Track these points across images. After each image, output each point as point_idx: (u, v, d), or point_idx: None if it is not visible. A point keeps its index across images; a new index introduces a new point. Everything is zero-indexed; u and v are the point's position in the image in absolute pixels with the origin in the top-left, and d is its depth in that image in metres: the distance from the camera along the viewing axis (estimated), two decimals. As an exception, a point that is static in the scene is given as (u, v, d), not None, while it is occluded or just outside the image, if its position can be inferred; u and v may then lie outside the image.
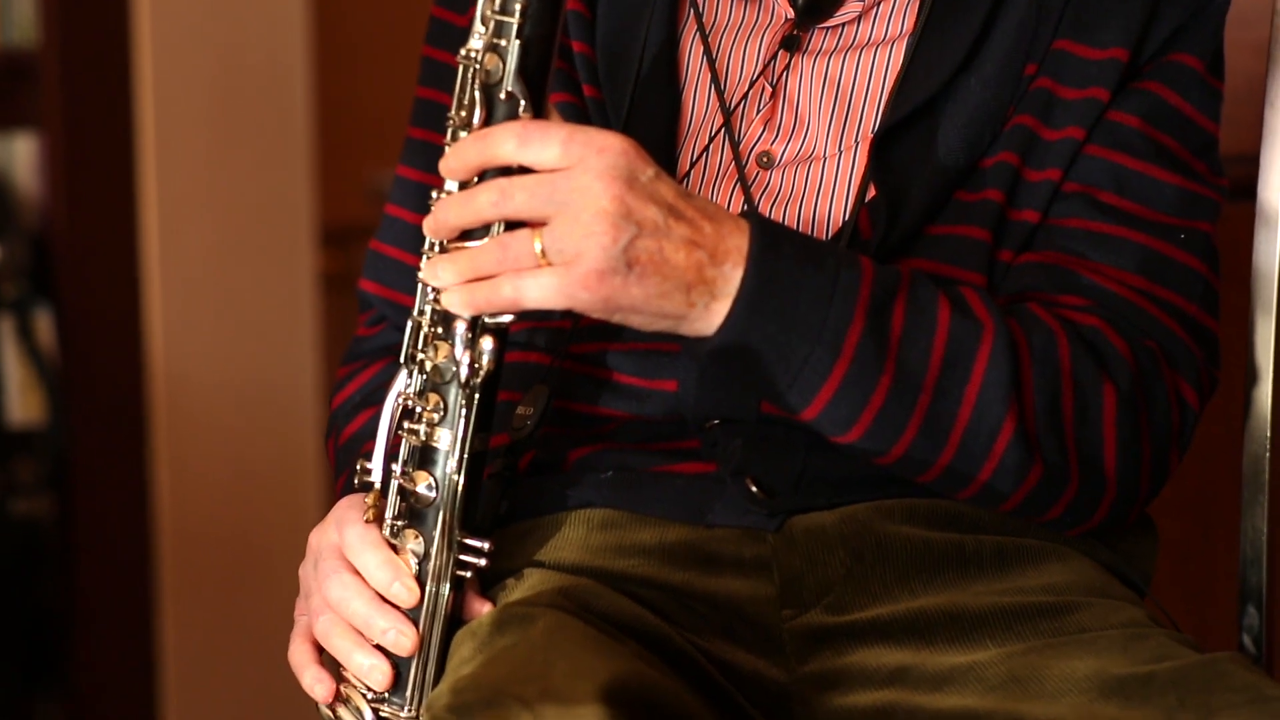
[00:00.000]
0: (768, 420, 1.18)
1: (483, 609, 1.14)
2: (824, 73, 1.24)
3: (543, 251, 1.05)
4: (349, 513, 1.16)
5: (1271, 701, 1.03)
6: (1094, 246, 1.20)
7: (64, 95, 2.74)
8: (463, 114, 1.09)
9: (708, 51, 1.26)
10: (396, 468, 1.13)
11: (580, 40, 1.27)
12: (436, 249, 1.10)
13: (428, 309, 1.11)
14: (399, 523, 1.13)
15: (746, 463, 1.18)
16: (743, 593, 1.17)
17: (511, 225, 1.07)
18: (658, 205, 1.06)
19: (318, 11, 3.02)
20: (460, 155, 1.08)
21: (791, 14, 1.26)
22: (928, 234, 1.20)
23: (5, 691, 2.73)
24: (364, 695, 1.14)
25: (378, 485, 1.15)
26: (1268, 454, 1.34)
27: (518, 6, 1.07)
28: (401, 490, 1.13)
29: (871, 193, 1.20)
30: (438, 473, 1.11)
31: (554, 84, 1.11)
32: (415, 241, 1.13)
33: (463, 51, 1.09)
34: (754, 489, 1.18)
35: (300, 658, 1.18)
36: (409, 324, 1.12)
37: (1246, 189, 1.36)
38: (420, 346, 1.12)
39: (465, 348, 1.09)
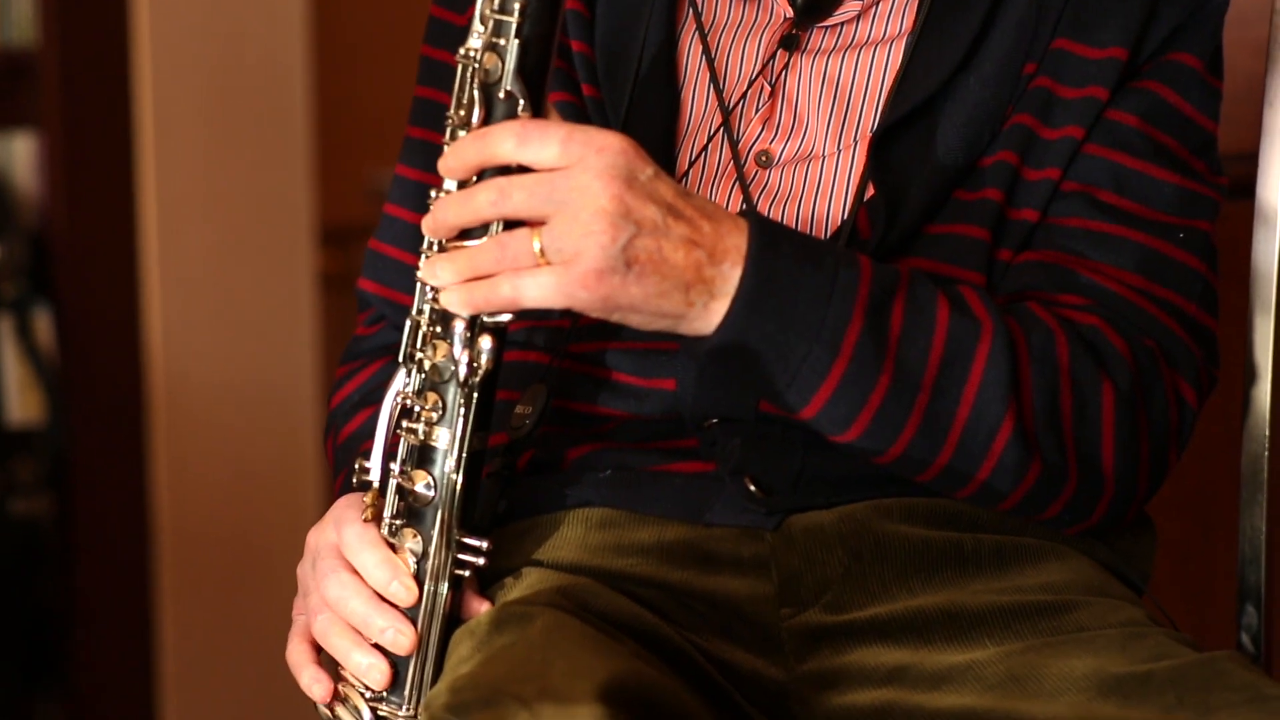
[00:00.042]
0: (766, 419, 1.18)
1: (481, 608, 1.14)
2: (823, 72, 1.24)
3: (541, 250, 1.05)
4: (347, 511, 1.16)
5: (1270, 700, 1.03)
6: (1093, 245, 1.20)
7: (63, 95, 2.74)
8: (461, 113, 1.09)
9: (707, 51, 1.26)
10: (395, 467, 1.13)
11: (579, 39, 1.27)
12: (435, 248, 1.10)
13: (426, 308, 1.11)
14: (397, 522, 1.13)
15: (745, 462, 1.18)
16: (741, 592, 1.17)
17: (510, 224, 1.07)
18: (657, 204, 1.06)
19: (317, 11, 3.02)
20: (459, 154, 1.08)
21: (790, 13, 1.26)
22: (926, 233, 1.20)
23: (5, 691, 2.73)
24: (362, 694, 1.14)
25: (376, 484, 1.15)
26: (1266, 453, 1.34)
27: (517, 6, 1.07)
28: (400, 489, 1.13)
29: (870, 192, 1.20)
30: (436, 472, 1.11)
31: (553, 83, 1.11)
32: (414, 241, 1.13)
33: (462, 50, 1.09)
34: (752, 488, 1.18)
35: (298, 657, 1.18)
36: (407, 323, 1.12)
37: (1245, 188, 1.36)
38: (419, 345, 1.12)
39: (464, 347, 1.09)
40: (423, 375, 1.11)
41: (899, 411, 1.11)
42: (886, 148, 1.20)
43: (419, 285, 1.11)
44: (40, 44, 2.76)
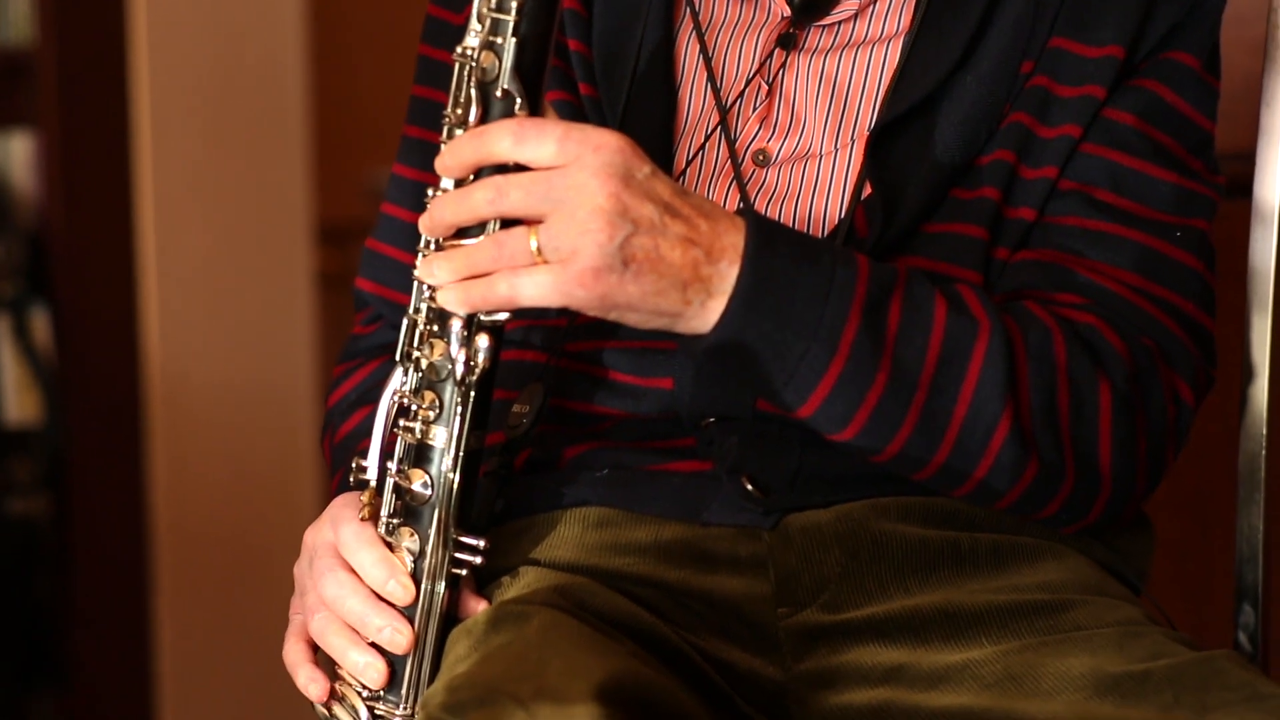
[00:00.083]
0: (763, 418, 1.18)
1: (478, 607, 1.14)
2: (820, 70, 1.24)
3: (538, 249, 1.05)
4: (344, 510, 1.16)
5: (1267, 699, 1.03)
6: (1090, 244, 1.20)
7: (60, 94, 2.74)
8: (458, 112, 1.09)
9: (704, 49, 1.26)
10: (392, 465, 1.13)
11: (576, 38, 1.26)
12: (432, 247, 1.09)
13: (423, 307, 1.11)
14: (394, 520, 1.13)
15: (742, 461, 1.18)
16: (738, 591, 1.17)
17: (507, 223, 1.07)
18: (654, 203, 1.06)
19: (314, 10, 3.02)
20: (456, 153, 1.08)
21: (788, 12, 1.26)
22: (924, 232, 1.20)
23: (2, 691, 2.73)
24: (359, 693, 1.14)
25: (373, 483, 1.15)
26: (1264, 452, 1.34)
27: (514, 4, 1.06)
28: (397, 488, 1.13)
29: (868, 190, 1.20)
30: (433, 470, 1.11)
31: (550, 82, 1.11)
32: (411, 240, 1.13)
33: (459, 49, 1.08)
34: (749, 487, 1.18)
35: (295, 656, 1.18)
36: (405, 322, 1.12)
37: (1243, 187, 1.36)
38: (416, 344, 1.12)
39: (461, 345, 1.09)
40: (420, 374, 1.11)
41: (896, 410, 1.11)
42: (884, 146, 1.20)
43: (416, 284, 1.11)
44: (37, 43, 2.76)
